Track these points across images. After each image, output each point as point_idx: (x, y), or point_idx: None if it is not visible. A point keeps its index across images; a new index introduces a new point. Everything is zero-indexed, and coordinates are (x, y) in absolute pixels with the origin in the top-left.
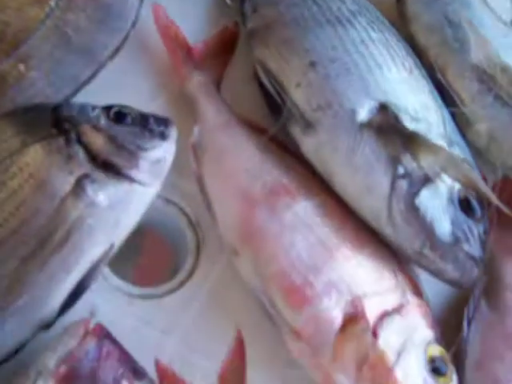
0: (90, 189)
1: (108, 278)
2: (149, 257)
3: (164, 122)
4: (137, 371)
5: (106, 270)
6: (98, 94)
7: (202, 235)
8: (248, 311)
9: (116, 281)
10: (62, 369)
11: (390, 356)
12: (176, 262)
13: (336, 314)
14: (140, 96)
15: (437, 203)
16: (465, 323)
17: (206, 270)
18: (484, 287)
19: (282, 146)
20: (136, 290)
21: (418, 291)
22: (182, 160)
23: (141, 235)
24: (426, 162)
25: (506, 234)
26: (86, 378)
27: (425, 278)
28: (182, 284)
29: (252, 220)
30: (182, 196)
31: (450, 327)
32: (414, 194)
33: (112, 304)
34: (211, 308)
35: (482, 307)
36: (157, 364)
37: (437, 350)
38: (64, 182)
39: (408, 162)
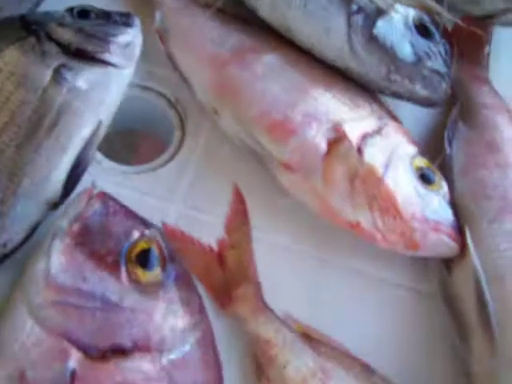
0: (68, 75)
1: (102, 162)
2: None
3: (126, 14)
4: (145, 222)
5: (99, 155)
6: (57, 5)
7: (183, 111)
8: (239, 166)
9: (110, 163)
10: (75, 227)
11: (378, 168)
12: None
13: (319, 141)
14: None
15: (394, 30)
16: (446, 143)
17: (193, 140)
18: (459, 111)
19: (239, 16)
20: (130, 169)
21: (394, 117)
22: (151, 49)
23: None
24: None
25: (467, 61)
26: (98, 233)
27: (401, 114)
28: (172, 156)
29: (225, 78)
30: (158, 81)
31: (431, 151)
32: (370, 25)
33: (110, 182)
34: (205, 171)
35: (460, 128)
36: (164, 226)
37: (422, 162)
38: (43, 75)
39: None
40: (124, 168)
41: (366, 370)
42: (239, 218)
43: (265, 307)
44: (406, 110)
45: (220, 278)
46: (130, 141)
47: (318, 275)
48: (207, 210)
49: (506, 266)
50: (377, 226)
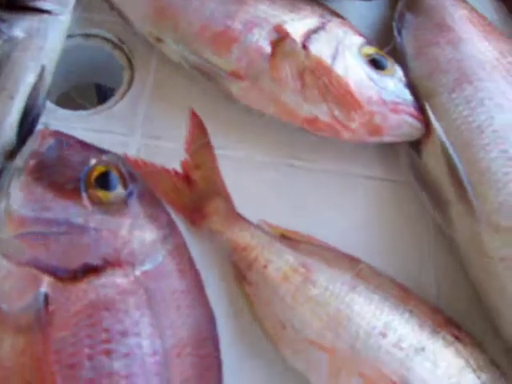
0: (3, 27)
1: (56, 111)
2: None
3: None
4: (102, 150)
5: (52, 106)
6: None
7: (129, 50)
8: (193, 91)
9: (64, 111)
10: (31, 163)
11: (326, 59)
12: None
13: (262, 43)
14: None
15: None
16: (395, 32)
17: (143, 74)
18: (405, 3)
19: None
20: (84, 113)
21: (337, 14)
22: None
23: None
24: None
25: None
26: (55, 165)
27: (345, 14)
28: (124, 93)
29: (161, 1)
30: (99, 26)
31: (379, 44)
32: None
33: (65, 127)
34: (159, 101)
35: (408, 17)
36: (126, 158)
37: (371, 49)
38: None
39: None
40: (78, 113)
41: (349, 260)
42: (199, 138)
43: (238, 217)
44: (349, 9)
45: (189, 197)
46: (89, 93)
47: (289, 182)
48: (167, 137)
49: (470, 130)
50: (335, 116)
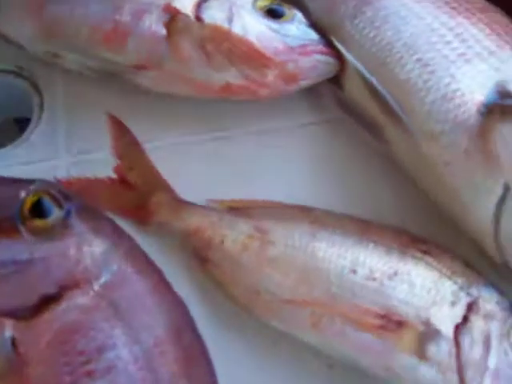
0: None
1: None
2: None
3: None
4: (28, 181)
5: None
6: None
7: (31, 75)
8: (105, 95)
9: None
10: None
11: (222, 24)
12: None
13: (156, 27)
14: None
15: None
16: None
17: (52, 94)
18: None
19: None
20: (3, 150)
21: None
22: None
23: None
24: None
25: None
26: None
27: None
28: (39, 118)
29: (47, 18)
30: None
31: None
32: None
33: None
34: (75, 115)
35: None
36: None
37: (265, 1)
38: None
39: None
40: None
41: (301, 210)
42: (123, 139)
43: (183, 203)
44: None
45: (131, 199)
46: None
47: (223, 154)
48: (93, 148)
49: (381, 49)
50: (247, 77)
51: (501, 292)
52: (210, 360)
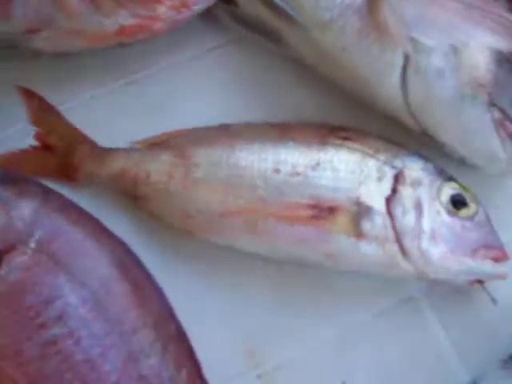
0: None
1: None
2: None
3: None
4: None
5: None
6: None
7: None
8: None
9: None
10: None
11: None
12: None
13: None
14: None
15: None
16: None
17: None
18: None
19: None
20: None
21: None
22: None
23: None
24: None
25: None
26: None
27: None
28: None
29: None
30: None
31: None
32: None
33: None
34: None
35: None
36: None
37: None
38: None
39: None
40: None
41: (218, 129)
42: (37, 107)
43: (106, 151)
44: None
45: (57, 162)
46: None
47: (136, 97)
48: (8, 125)
49: None
50: (138, 15)
51: (424, 158)
52: (160, 287)
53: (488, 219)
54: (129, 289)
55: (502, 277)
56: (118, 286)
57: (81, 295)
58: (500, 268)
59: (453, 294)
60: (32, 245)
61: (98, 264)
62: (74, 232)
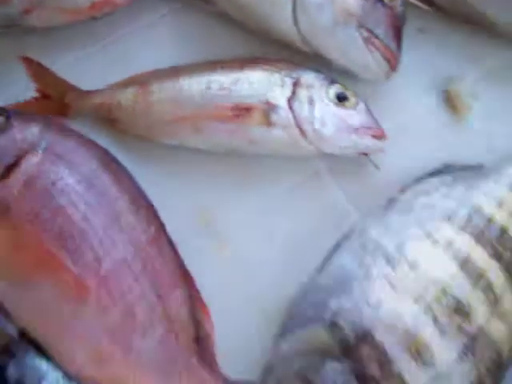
0: None
1: None
2: None
3: None
4: None
5: None
6: None
7: None
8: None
9: None
10: None
11: None
12: None
13: None
14: None
15: None
16: None
17: None
18: None
19: None
20: None
21: None
22: None
23: None
24: None
25: None
26: None
27: None
28: None
29: None
30: None
31: None
32: None
33: None
34: None
35: None
36: None
37: None
38: None
39: None
40: None
41: (171, 69)
42: (35, 69)
43: (87, 92)
44: None
45: (53, 105)
46: None
47: (108, 59)
48: (13, 84)
49: None
50: None
51: (316, 71)
52: (132, 176)
53: (367, 109)
54: (110, 175)
55: (381, 150)
56: (102, 173)
57: (76, 178)
58: (379, 143)
59: (348, 165)
60: (40, 150)
61: (87, 160)
62: (69, 141)
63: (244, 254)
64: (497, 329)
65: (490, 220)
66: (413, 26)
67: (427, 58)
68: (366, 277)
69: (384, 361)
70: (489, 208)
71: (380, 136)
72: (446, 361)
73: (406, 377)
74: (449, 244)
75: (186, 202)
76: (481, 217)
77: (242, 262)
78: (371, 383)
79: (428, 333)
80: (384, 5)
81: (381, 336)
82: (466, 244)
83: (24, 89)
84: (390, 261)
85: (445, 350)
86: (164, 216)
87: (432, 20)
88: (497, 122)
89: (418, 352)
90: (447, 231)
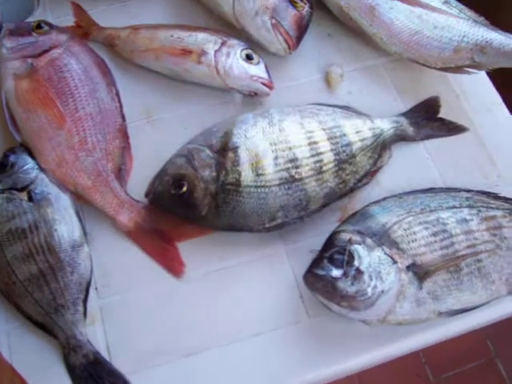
0: None
1: None
2: None
3: None
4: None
5: None
6: None
7: None
8: None
9: None
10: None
11: None
12: None
13: None
14: None
15: None
16: None
17: None
18: None
19: None
20: None
21: None
22: None
23: None
24: None
25: None
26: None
27: None
28: None
29: None
30: None
31: None
32: None
33: None
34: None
35: None
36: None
37: None
38: None
39: None
40: None
41: (155, 25)
42: (77, 10)
43: (103, 28)
44: None
45: (82, 31)
46: None
47: (120, 14)
48: (63, 17)
49: None
50: None
51: (239, 39)
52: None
53: (266, 68)
54: (99, 69)
55: (267, 94)
56: (95, 67)
57: (79, 66)
58: (266, 90)
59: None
60: (63, 48)
61: (88, 59)
62: (81, 48)
63: None
64: (311, 185)
65: (344, 134)
66: (324, 32)
67: (324, 51)
68: (254, 124)
69: (236, 162)
70: (349, 129)
71: (268, 85)
72: (270, 179)
73: (242, 174)
74: (310, 132)
75: (138, 98)
76: (339, 131)
77: None
78: (222, 170)
79: (268, 159)
80: (294, 8)
81: (241, 151)
82: (321, 136)
83: (68, 21)
84: (270, 123)
85: (273, 174)
86: (124, 102)
87: (339, 28)
88: (355, 94)
89: (257, 167)
90: (314, 124)
